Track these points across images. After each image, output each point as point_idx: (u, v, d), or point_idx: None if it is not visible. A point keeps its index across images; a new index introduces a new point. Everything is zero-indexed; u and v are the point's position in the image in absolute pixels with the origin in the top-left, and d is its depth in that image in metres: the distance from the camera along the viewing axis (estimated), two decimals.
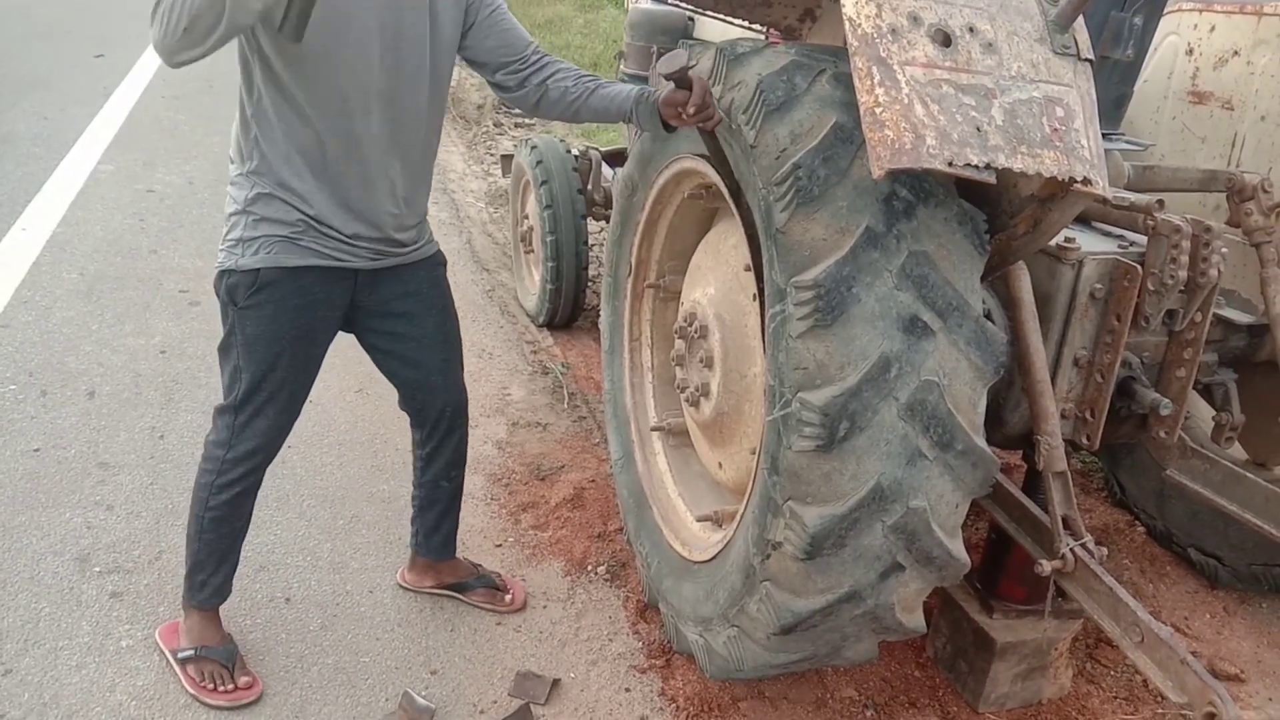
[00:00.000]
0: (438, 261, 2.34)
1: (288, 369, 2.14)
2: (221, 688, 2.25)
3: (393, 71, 2.00)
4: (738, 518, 2.13)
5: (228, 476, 2.22)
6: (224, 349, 2.16)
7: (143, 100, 7.45)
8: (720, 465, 2.46)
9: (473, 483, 3.16)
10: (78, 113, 6.86)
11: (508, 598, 2.64)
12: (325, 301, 2.13)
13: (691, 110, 1.89)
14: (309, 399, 2.29)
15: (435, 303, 2.32)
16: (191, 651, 2.29)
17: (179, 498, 2.93)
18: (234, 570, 2.37)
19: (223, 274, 2.08)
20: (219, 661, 2.28)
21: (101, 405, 3.37)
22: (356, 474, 3.14)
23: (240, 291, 2.06)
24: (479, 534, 2.93)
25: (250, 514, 2.33)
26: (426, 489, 2.55)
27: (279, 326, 2.09)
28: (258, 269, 2.03)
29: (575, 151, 4.30)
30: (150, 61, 8.74)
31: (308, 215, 2.03)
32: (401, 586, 2.68)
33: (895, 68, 1.57)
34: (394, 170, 2.09)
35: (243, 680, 2.27)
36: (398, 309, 2.25)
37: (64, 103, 7.10)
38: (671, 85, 1.91)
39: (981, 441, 1.78)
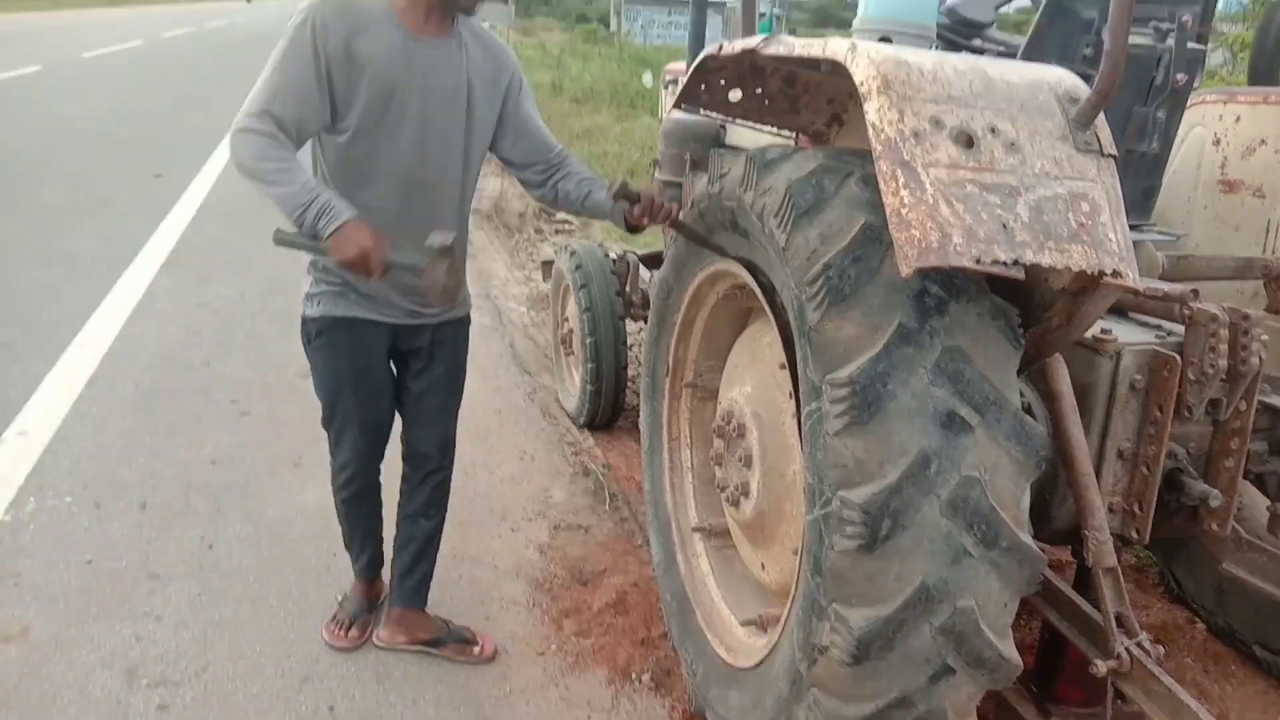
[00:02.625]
0: (465, 320, 2.67)
1: (350, 400, 2.54)
2: (337, 632, 2.81)
3: (434, 167, 2.36)
4: (782, 621, 2.10)
5: (338, 481, 2.71)
6: (313, 381, 2.59)
7: (199, 217, 7.76)
8: (763, 566, 2.44)
9: (515, 588, 3.16)
10: (137, 230, 7.14)
11: (476, 649, 2.82)
12: (373, 347, 2.51)
13: (637, 214, 2.28)
14: None
15: (452, 354, 2.66)
16: (340, 602, 2.89)
17: (226, 608, 2.95)
18: (377, 552, 2.88)
19: (301, 321, 2.51)
20: (349, 615, 2.84)
21: (153, 516, 3.43)
22: None
23: (310, 335, 2.50)
24: (521, 641, 2.91)
25: (372, 513, 2.81)
26: (406, 525, 2.82)
27: (337, 364, 2.50)
28: (318, 317, 2.46)
29: (613, 255, 4.40)
30: (207, 179, 9.13)
31: (352, 280, 2.37)
32: (377, 646, 2.83)
33: (919, 170, 1.60)
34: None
35: (352, 634, 2.81)
36: (421, 354, 2.60)
37: (124, 221, 7.41)
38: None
39: (1027, 538, 1.75)
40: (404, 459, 2.76)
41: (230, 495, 3.61)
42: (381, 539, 2.90)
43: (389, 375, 2.60)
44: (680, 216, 2.39)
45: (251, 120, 2.13)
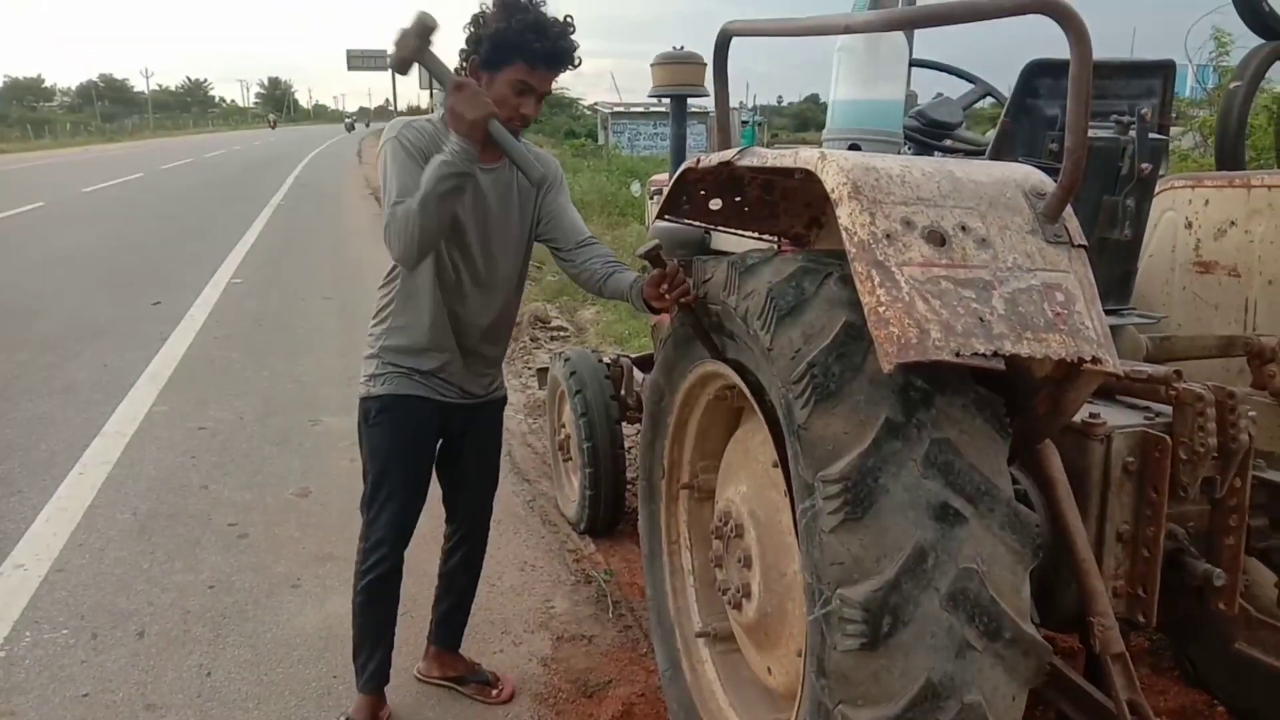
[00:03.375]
0: (501, 402, 3.01)
1: (399, 474, 2.79)
2: None
3: (492, 271, 2.74)
4: None
5: (366, 564, 2.84)
6: (364, 461, 2.84)
7: (196, 341, 7.84)
8: (769, 670, 2.40)
9: (519, 705, 3.10)
10: (135, 357, 7.22)
11: (495, 692, 3.12)
12: (427, 424, 2.80)
13: (655, 278, 2.37)
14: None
15: (485, 433, 3.00)
16: None
17: None
18: (387, 658, 2.94)
19: (360, 400, 2.79)
20: None
21: (150, 645, 3.39)
22: (402, 702, 3.07)
23: (371, 413, 2.76)
24: None
25: (389, 606, 2.92)
26: (444, 580, 3.14)
27: (394, 439, 2.76)
28: (382, 395, 2.74)
29: (606, 360, 4.44)
30: (204, 305, 9.26)
31: (418, 363, 2.74)
32: (416, 677, 3.19)
33: (893, 269, 1.65)
34: (487, 335, 2.82)
35: None
36: (459, 432, 2.90)
37: (123, 349, 7.49)
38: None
39: (1030, 627, 1.74)
40: (446, 522, 3.10)
41: (229, 620, 3.57)
42: (391, 647, 2.96)
43: (433, 453, 2.90)
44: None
45: (388, 211, 2.44)
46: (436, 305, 2.70)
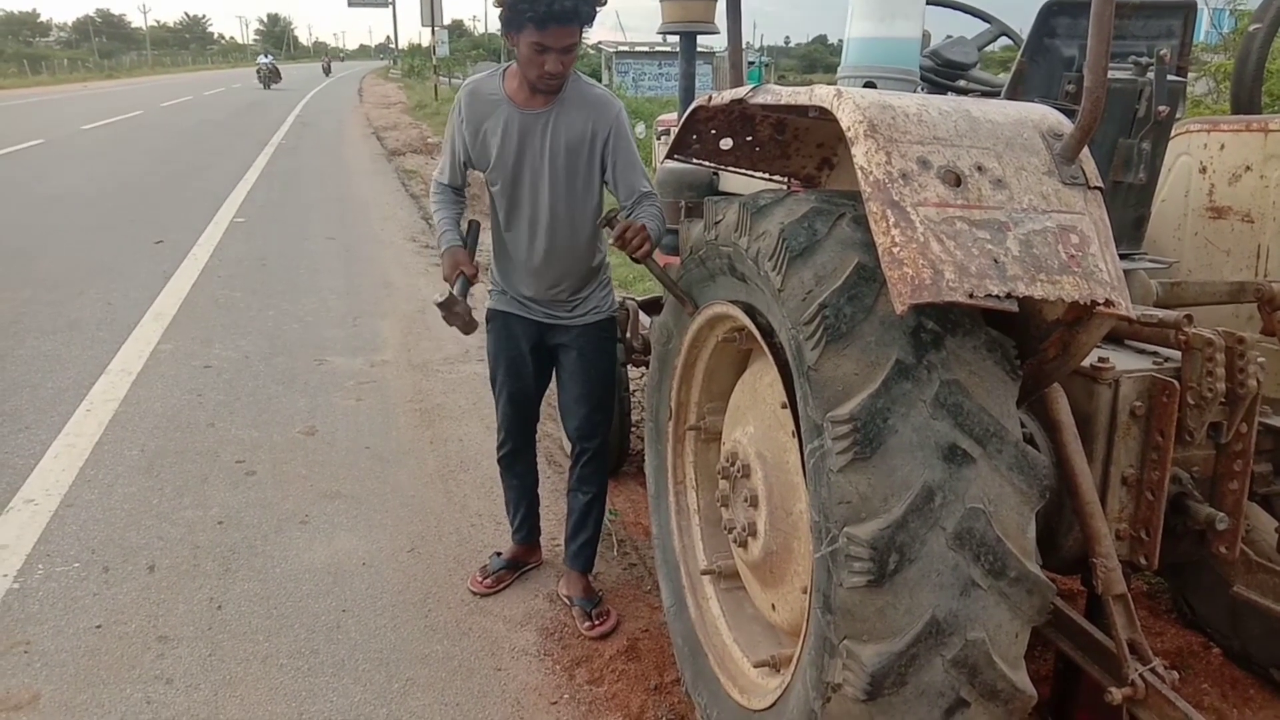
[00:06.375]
0: (599, 325, 3.21)
1: (502, 374, 3.25)
2: (477, 577, 3.45)
3: (542, 211, 2.97)
4: (794, 661, 2.09)
5: (497, 442, 3.40)
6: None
7: (200, 280, 7.83)
8: (774, 607, 2.43)
9: (526, 638, 3.15)
10: (139, 296, 7.21)
11: (586, 625, 3.21)
12: (521, 336, 3.19)
13: (613, 240, 2.62)
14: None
15: (584, 353, 3.18)
16: (490, 559, 3.53)
17: (236, 667, 2.94)
18: (526, 522, 3.51)
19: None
20: (493, 567, 3.48)
21: (161, 579, 3.43)
22: (410, 635, 3.13)
23: (487, 320, 3.21)
24: (534, 692, 2.89)
25: (521, 478, 3.45)
26: (568, 498, 3.39)
27: (497, 345, 3.23)
28: (489, 308, 3.22)
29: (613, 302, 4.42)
30: (207, 244, 9.22)
31: (506, 284, 3.17)
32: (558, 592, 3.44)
33: (909, 209, 1.64)
34: (552, 267, 3.05)
35: (487, 580, 3.44)
36: (559, 351, 3.22)
37: (127, 288, 7.48)
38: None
39: (1034, 567, 1.76)
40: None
41: (238, 555, 3.61)
42: (534, 513, 3.52)
43: (533, 361, 3.22)
44: (650, 256, 2.65)
45: (433, 185, 3.16)
46: (499, 234, 3.09)
